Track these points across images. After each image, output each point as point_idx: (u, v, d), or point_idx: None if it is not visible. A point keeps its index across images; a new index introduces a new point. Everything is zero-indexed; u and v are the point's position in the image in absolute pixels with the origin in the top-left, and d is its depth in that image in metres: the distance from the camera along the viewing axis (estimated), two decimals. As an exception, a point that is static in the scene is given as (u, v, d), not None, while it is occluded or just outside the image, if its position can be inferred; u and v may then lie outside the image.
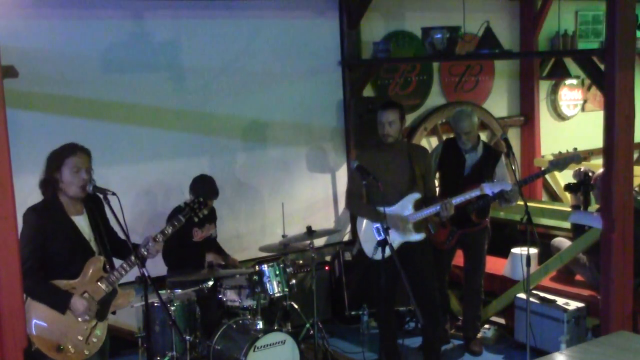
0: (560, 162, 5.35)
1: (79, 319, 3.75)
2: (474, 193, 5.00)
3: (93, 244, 3.87)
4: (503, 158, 5.60)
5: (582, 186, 5.59)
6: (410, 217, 4.93)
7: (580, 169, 5.72)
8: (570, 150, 5.65)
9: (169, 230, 3.98)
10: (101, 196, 3.74)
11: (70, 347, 3.72)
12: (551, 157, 7.36)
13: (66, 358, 3.72)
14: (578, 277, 5.75)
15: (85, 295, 3.77)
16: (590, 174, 5.61)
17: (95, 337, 3.81)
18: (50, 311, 3.73)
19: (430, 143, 7.10)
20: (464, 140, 5.46)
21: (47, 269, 3.75)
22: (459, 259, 5.85)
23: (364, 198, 4.97)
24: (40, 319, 3.72)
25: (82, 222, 3.87)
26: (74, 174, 3.77)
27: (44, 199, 3.84)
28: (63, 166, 3.77)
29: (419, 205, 4.96)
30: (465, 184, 5.21)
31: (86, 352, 3.78)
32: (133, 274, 4.00)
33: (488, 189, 4.99)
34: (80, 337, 3.76)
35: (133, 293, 4.04)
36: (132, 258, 3.81)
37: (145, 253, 3.89)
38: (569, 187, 5.72)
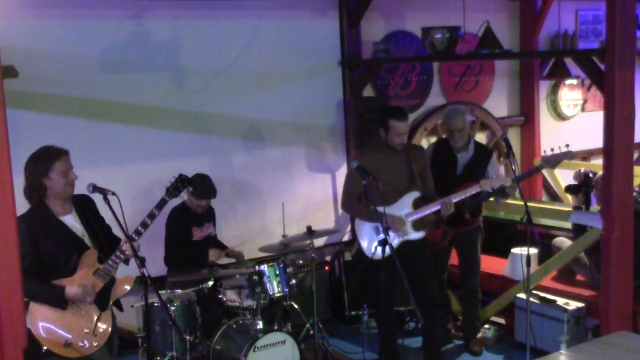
0: (553, 159, 5.38)
1: (82, 307, 3.78)
2: (473, 190, 5.02)
3: (87, 240, 3.92)
4: (494, 156, 5.63)
5: (582, 187, 5.59)
6: (409, 216, 4.94)
7: (580, 170, 5.72)
8: (574, 149, 5.66)
9: (156, 212, 4.01)
10: (101, 196, 3.77)
11: (78, 342, 3.77)
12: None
13: (76, 352, 3.77)
14: (579, 277, 5.75)
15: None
16: (591, 175, 5.62)
17: (102, 328, 3.86)
18: (52, 311, 3.76)
19: (430, 143, 7.10)
20: (456, 137, 5.45)
21: (45, 271, 3.79)
22: (456, 258, 5.85)
23: (362, 199, 4.98)
24: (45, 320, 3.75)
25: (72, 221, 3.91)
26: (63, 176, 3.82)
27: (31, 206, 3.87)
28: (51, 171, 3.81)
29: (417, 204, 4.97)
30: (458, 184, 5.23)
31: (95, 344, 3.82)
32: (134, 273, 4.00)
33: (487, 185, 5.02)
34: (86, 330, 3.80)
35: (131, 278, 4.06)
36: (124, 247, 3.85)
37: (136, 238, 3.92)
38: (569, 189, 5.72)
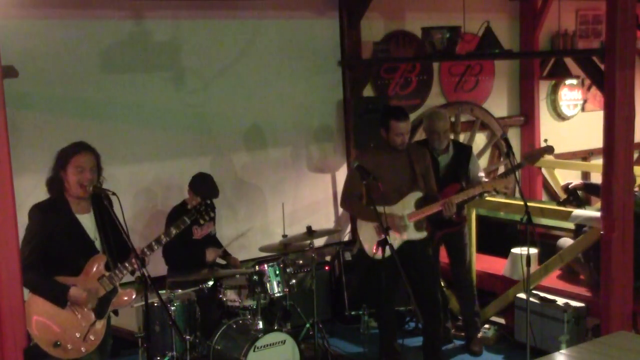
0: (534, 154, 5.53)
1: (79, 310, 3.76)
2: (476, 191, 5.05)
3: (98, 244, 3.88)
4: (474, 153, 5.66)
5: (568, 198, 5.82)
6: (411, 217, 4.94)
7: (563, 184, 6.04)
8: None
9: (173, 231, 3.99)
10: (102, 195, 3.75)
11: (67, 343, 3.73)
12: (552, 157, 7.38)
13: (63, 354, 3.74)
14: (582, 277, 5.75)
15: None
16: (569, 186, 5.98)
17: (94, 335, 3.82)
18: (49, 307, 3.73)
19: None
20: (440, 139, 5.44)
21: (50, 266, 3.76)
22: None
23: (363, 199, 4.98)
24: (40, 315, 3.73)
25: (87, 222, 3.88)
26: (77, 173, 3.78)
27: (50, 196, 3.85)
28: (68, 165, 3.79)
29: (420, 204, 4.97)
30: (440, 186, 5.23)
31: (83, 350, 3.79)
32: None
33: (489, 186, 5.04)
34: (77, 334, 3.76)
35: (133, 292, 4.04)
36: (133, 260, 3.79)
37: (148, 253, 3.90)
38: (562, 204, 5.89)
